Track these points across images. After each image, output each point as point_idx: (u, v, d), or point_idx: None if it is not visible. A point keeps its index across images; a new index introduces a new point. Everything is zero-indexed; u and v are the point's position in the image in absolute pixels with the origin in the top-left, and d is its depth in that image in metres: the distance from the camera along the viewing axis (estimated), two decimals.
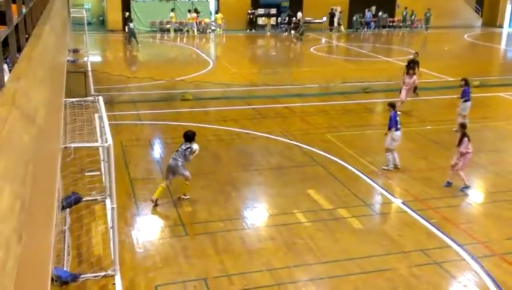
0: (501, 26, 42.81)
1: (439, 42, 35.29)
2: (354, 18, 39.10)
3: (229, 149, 13.72)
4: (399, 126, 12.25)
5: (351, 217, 9.96)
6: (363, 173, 12.07)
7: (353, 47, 32.84)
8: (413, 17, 40.04)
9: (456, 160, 11.14)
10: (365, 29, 39.03)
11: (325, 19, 38.86)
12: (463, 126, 11.24)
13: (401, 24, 40.52)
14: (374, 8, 39.45)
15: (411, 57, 20.36)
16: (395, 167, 12.34)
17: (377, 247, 8.87)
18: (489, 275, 8.06)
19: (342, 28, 39.19)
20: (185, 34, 35.98)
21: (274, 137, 14.44)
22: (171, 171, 10.34)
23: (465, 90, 15.16)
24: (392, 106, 12.45)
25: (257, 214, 10.17)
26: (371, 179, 11.79)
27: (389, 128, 12.16)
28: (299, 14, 36.75)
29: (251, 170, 12.29)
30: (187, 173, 10.35)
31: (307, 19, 38.00)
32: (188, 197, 10.53)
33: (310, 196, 10.84)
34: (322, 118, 16.68)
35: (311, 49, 31.00)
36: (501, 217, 10.11)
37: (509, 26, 42.68)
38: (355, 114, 17.23)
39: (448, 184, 11.33)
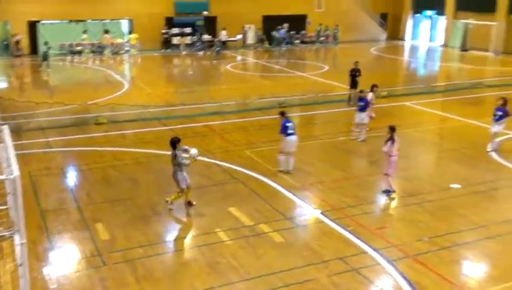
0: (403, 39, 45.67)
1: (348, 56, 36.95)
2: (273, 34, 40.14)
3: (147, 172, 13.44)
4: (291, 131, 12.84)
5: (272, 231, 10.07)
6: (282, 187, 12.28)
7: (269, 63, 33.57)
8: (327, 32, 41.84)
9: (387, 165, 11.59)
10: (281, 46, 40.05)
11: (239, 37, 39.48)
12: (392, 129, 11.53)
13: (315, 40, 42.09)
14: (286, 25, 40.62)
15: (352, 67, 21.27)
16: (288, 171, 13.00)
17: (298, 259, 9.02)
18: (403, 277, 8.45)
19: (266, 44, 40.12)
20: (99, 55, 35.06)
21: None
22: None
23: (362, 100, 15.98)
24: (282, 113, 13.13)
25: (178, 237, 10.00)
26: (290, 192, 12.01)
27: (280, 133, 12.94)
28: (223, 33, 37.50)
29: (171, 192, 12.07)
30: (178, 181, 10.82)
31: (222, 37, 38.48)
32: (171, 206, 10.92)
33: (231, 214, 10.85)
34: (241, 134, 16.83)
35: (228, 67, 31.32)
36: (412, 220, 10.66)
37: (411, 39, 45.63)
38: (272, 129, 17.42)
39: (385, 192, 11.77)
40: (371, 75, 28.54)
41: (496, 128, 14.76)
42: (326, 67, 31.49)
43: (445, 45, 41.42)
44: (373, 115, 16.42)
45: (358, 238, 9.70)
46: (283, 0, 41.63)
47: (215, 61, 33.71)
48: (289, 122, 12.95)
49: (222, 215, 10.77)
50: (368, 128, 16.05)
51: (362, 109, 15.91)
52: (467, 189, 12.17)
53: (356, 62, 21.38)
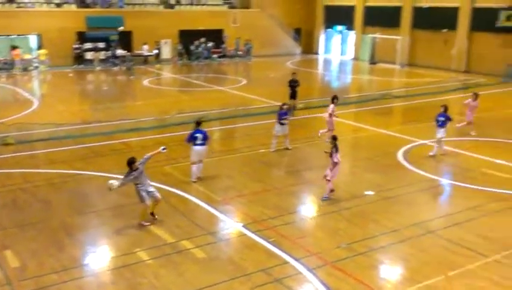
0: (317, 53, 47.41)
1: (265, 70, 37.71)
2: (192, 48, 40.05)
3: (61, 193, 12.81)
4: (199, 142, 13.23)
5: (194, 247, 9.95)
6: (203, 202, 12.21)
7: (187, 78, 33.39)
8: (248, 46, 42.38)
9: (329, 170, 12.14)
10: (200, 60, 40.03)
11: (156, 51, 39.02)
12: (334, 138, 12.35)
13: (233, 54, 42.52)
14: (203, 39, 40.70)
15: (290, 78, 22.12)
16: (198, 178, 13.55)
17: (221, 274, 8.97)
18: (324, 284, 8.66)
19: (185, 58, 39.88)
20: (7, 72, 33.11)
21: (111, 175, 13.85)
22: None
23: (280, 113, 16.35)
24: (197, 123, 13.55)
25: (96, 259, 9.61)
26: (211, 206, 11.96)
27: (187, 142, 13.46)
28: (145, 47, 37.14)
29: (87, 213, 11.62)
30: (142, 198, 10.85)
31: (137, 52, 37.86)
32: (147, 223, 10.91)
33: (151, 232, 10.60)
34: None
35: (145, 82, 30.77)
36: (331, 227, 10.99)
37: (324, 53, 47.45)
38: None
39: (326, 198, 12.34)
40: (288, 88, 29.40)
41: (440, 133, 15.73)
42: (245, 81, 31.89)
43: (355, 58, 43.48)
44: (331, 127, 17.10)
45: (280, 249, 9.83)
46: (199, 14, 41.91)
47: (132, 77, 33.01)
48: (200, 132, 13.31)
49: (143, 234, 10.50)
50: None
51: (282, 121, 16.25)
52: (379, 195, 12.76)
53: (294, 73, 22.23)
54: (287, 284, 8.67)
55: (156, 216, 11.13)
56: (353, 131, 19.64)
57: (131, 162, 10.73)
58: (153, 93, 27.93)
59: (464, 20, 35.17)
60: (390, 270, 9.40)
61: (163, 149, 11.47)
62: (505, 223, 11.13)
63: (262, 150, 16.59)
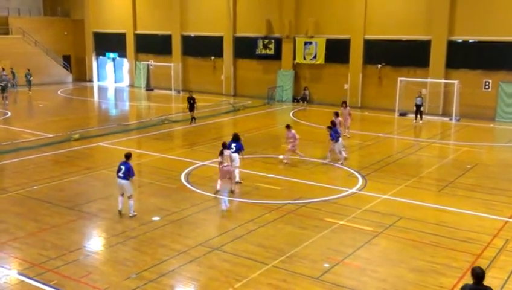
0: (91, 81, 45.85)
1: (33, 100, 34.92)
2: None
3: None
4: None
5: None
6: None
7: None
8: (28, 76, 38.31)
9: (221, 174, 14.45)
10: None
11: None
12: (224, 146, 14.61)
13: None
14: None
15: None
16: None
17: None
18: None
19: None
20: None
21: None
22: None
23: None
24: None
25: None
26: None
27: None
28: None
29: None
30: None
31: None
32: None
33: None
34: None
35: None
36: (117, 259, 10.62)
37: (98, 80, 46.17)
38: None
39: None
40: (61, 118, 27.70)
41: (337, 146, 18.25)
42: (9, 113, 28.96)
43: (131, 85, 43.37)
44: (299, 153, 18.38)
45: None
46: None
47: None
48: None
49: None
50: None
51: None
52: (166, 219, 12.86)
53: (190, 92, 27.48)
54: None
55: None
56: (137, 157, 19.43)
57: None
58: None
59: (228, 48, 38.15)
60: None
61: None
62: (279, 231, 12.30)
63: (36, 187, 15.24)
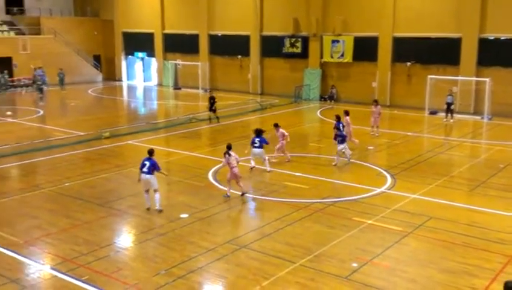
0: (120, 80, 46.55)
1: (65, 98, 35.64)
2: None
3: None
4: (146, 170, 13.13)
5: None
6: (3, 247, 10.91)
7: None
8: (61, 75, 39.28)
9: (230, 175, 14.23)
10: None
11: None
12: (228, 147, 14.44)
13: (26, 83, 39.25)
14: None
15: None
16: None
17: None
18: None
19: None
20: None
21: None
22: None
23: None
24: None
25: None
26: (13, 251, 10.76)
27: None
28: None
29: None
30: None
31: None
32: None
33: None
34: None
35: None
36: (147, 256, 10.77)
37: (128, 80, 46.83)
38: None
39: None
40: (92, 117, 28.21)
41: (340, 147, 17.85)
42: (41, 112, 29.65)
43: (159, 84, 43.85)
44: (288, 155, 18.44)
45: (95, 287, 9.28)
46: None
47: None
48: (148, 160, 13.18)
49: None
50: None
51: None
52: (194, 217, 12.97)
53: (211, 91, 28.83)
54: None
55: None
56: (165, 156, 19.66)
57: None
58: None
59: (254, 47, 38.18)
60: (209, 289, 9.58)
61: None
62: (306, 230, 12.27)
63: (68, 183, 15.57)
